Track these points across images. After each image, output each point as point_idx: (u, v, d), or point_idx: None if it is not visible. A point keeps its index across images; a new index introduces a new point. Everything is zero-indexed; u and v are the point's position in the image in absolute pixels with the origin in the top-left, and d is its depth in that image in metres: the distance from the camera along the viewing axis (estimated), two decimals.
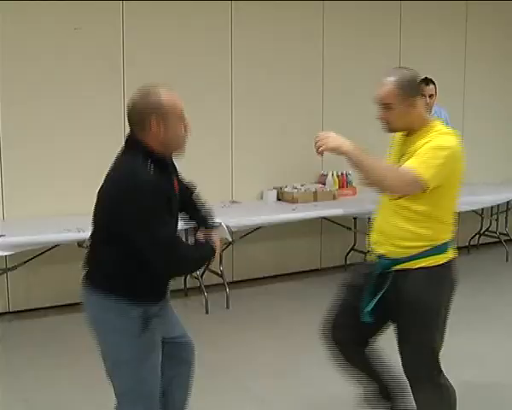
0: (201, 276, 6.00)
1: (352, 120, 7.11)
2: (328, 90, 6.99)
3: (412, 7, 7.34)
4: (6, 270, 5.43)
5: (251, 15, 6.44)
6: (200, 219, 3.13)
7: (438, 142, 2.95)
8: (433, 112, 6.09)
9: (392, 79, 3.05)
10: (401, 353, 3.14)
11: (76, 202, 5.72)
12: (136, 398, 2.81)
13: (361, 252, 7.05)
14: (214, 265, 6.13)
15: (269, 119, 6.70)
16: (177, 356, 3.05)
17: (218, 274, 6.07)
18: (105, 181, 2.76)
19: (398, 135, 3.23)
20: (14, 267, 5.43)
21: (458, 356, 4.54)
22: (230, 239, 5.79)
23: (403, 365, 3.15)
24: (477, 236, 8.08)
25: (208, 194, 6.49)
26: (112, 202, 2.66)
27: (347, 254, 7.15)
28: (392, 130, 3.17)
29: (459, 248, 7.03)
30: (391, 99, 3.04)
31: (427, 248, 3.06)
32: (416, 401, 3.20)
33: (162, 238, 2.62)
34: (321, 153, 2.96)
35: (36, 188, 5.64)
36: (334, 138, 2.98)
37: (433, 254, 3.08)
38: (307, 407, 4.07)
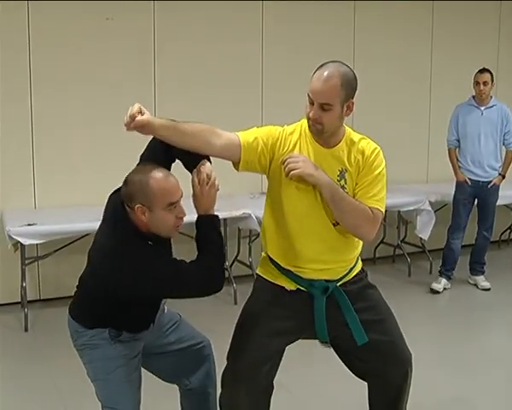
0: (230, 266, 6.01)
1: (382, 110, 7.07)
2: (359, 80, 6.91)
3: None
4: (37, 258, 5.49)
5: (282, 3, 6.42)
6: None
7: (380, 165, 2.78)
8: (491, 103, 6.05)
9: (337, 75, 2.70)
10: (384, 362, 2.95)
11: (106, 191, 5.73)
12: None
13: (390, 245, 7.02)
14: (243, 256, 6.15)
15: (298, 111, 6.64)
16: (200, 359, 3.08)
17: (247, 265, 6.07)
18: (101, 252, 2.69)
19: (312, 143, 2.79)
20: (45, 256, 5.49)
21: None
22: (259, 230, 5.77)
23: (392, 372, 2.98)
24: (508, 230, 7.98)
25: (238, 185, 6.54)
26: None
27: (376, 247, 7.10)
28: (323, 132, 2.72)
29: (490, 243, 7.03)
30: (332, 98, 2.66)
31: (357, 255, 2.97)
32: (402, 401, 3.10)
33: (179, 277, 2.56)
34: (291, 177, 2.66)
35: (67, 177, 5.69)
36: (307, 164, 2.67)
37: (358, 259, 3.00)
38: (336, 395, 4.05)
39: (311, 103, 2.71)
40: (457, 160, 6.16)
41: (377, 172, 2.76)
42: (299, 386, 4.20)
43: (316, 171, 2.66)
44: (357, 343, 2.85)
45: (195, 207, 2.66)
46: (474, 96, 6.09)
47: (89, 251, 2.79)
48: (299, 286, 2.86)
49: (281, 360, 2.95)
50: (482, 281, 6.21)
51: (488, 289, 6.13)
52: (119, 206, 2.67)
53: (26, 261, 5.26)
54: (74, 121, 5.68)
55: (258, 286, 3.00)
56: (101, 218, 2.82)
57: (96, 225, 5.27)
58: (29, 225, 5.00)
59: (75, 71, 5.63)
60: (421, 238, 6.69)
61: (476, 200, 6.18)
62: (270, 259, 2.92)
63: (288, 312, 2.86)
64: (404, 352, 3.01)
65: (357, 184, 2.77)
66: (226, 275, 6.01)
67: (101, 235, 2.74)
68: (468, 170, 6.08)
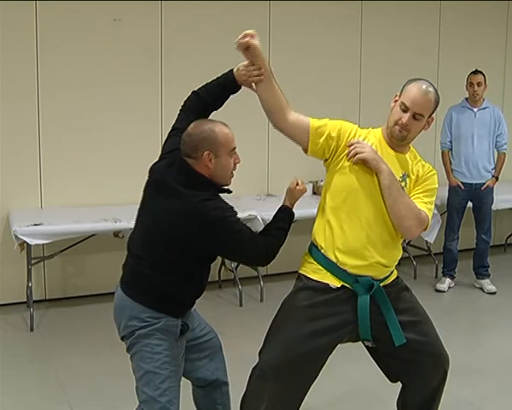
0: (236, 268, 6.01)
1: (388, 114, 7.07)
2: (366, 83, 6.94)
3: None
4: (43, 258, 5.50)
5: (289, 4, 6.43)
6: None
7: (434, 183, 3.00)
8: (484, 105, 6.08)
9: (432, 91, 3.05)
10: (422, 363, 3.01)
11: (112, 192, 5.79)
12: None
13: None
14: None
15: (305, 112, 6.65)
16: (215, 350, 3.11)
17: (252, 267, 6.07)
18: (165, 211, 2.76)
19: (383, 144, 3.02)
20: (51, 256, 5.50)
21: None
22: None
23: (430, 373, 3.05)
24: None
25: (244, 187, 6.55)
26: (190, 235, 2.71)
27: None
28: (405, 139, 2.97)
29: (496, 247, 7.01)
30: (426, 111, 2.97)
31: (398, 259, 3.13)
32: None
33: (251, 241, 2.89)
34: (356, 161, 2.87)
35: (73, 178, 5.70)
36: (373, 151, 2.90)
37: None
38: (345, 396, 4.05)
39: (405, 111, 2.96)
40: (450, 162, 6.18)
41: (432, 187, 2.99)
42: None
43: (379, 158, 2.87)
44: (396, 344, 2.89)
45: (284, 199, 3.16)
46: (467, 98, 6.13)
47: (143, 228, 2.88)
48: (343, 283, 2.89)
49: (326, 361, 2.96)
50: (488, 284, 6.20)
51: (494, 293, 6.12)
52: (173, 170, 2.82)
53: (32, 261, 5.26)
54: (81, 122, 5.69)
55: (301, 286, 3.03)
56: (148, 194, 2.94)
57: (102, 225, 5.29)
58: (35, 225, 5.01)
59: (82, 72, 5.64)
60: (426, 241, 6.68)
61: (471, 204, 6.19)
62: (316, 256, 2.98)
63: (332, 309, 2.89)
64: (442, 353, 3.09)
65: (413, 191, 2.97)
66: (231, 277, 6.04)
67: (162, 203, 2.78)
68: (462, 172, 6.10)
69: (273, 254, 2.97)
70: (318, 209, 3.08)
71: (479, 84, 5.98)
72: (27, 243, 5.02)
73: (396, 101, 3.06)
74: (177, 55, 5.95)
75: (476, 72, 6.02)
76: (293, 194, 3.14)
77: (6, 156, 5.46)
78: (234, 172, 2.90)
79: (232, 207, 2.81)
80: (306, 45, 6.55)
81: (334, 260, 2.88)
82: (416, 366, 2.99)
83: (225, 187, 2.90)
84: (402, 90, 3.07)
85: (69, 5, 5.48)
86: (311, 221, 6.51)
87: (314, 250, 3.00)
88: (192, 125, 2.85)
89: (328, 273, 2.90)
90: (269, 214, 5.63)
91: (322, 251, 2.93)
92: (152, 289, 2.76)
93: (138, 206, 2.99)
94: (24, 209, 5.46)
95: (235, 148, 2.87)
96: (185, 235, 2.70)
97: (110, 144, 5.80)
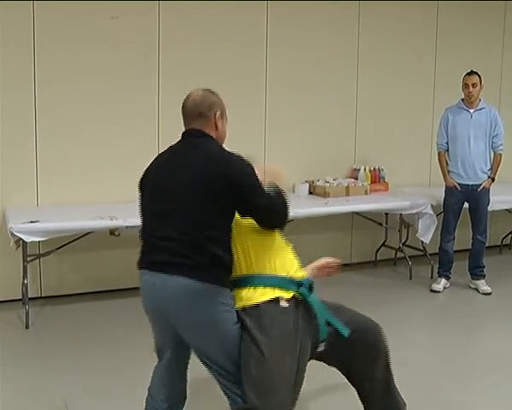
0: None
1: (386, 113, 7.09)
2: (363, 83, 6.95)
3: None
4: (39, 256, 5.50)
5: (287, 3, 6.43)
6: None
7: None
8: (480, 106, 6.08)
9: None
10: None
11: (108, 189, 5.79)
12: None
13: (392, 248, 7.02)
14: None
15: (302, 112, 6.68)
16: None
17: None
18: (184, 172, 2.86)
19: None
20: (47, 253, 5.49)
21: None
22: None
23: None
24: (510, 235, 7.97)
25: None
26: (222, 180, 2.79)
27: (378, 249, 7.12)
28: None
29: (491, 248, 7.01)
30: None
31: None
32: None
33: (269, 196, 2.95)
34: None
35: (69, 175, 5.70)
36: None
37: None
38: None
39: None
40: (447, 164, 6.18)
41: None
42: None
43: None
44: (345, 336, 2.96)
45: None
46: (463, 99, 6.12)
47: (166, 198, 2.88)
48: (293, 292, 2.92)
49: None
50: (483, 285, 6.21)
51: (489, 294, 6.13)
52: (178, 147, 3.04)
53: (28, 258, 5.26)
54: (78, 119, 5.69)
55: (260, 314, 2.85)
56: (151, 182, 3.05)
57: (98, 223, 5.28)
58: (31, 222, 5.01)
59: (79, 69, 5.64)
60: (422, 242, 6.69)
61: (467, 204, 6.19)
62: (258, 281, 2.93)
63: (301, 323, 2.87)
64: (368, 320, 3.22)
65: None
66: None
67: (188, 169, 2.88)
68: (458, 174, 6.11)
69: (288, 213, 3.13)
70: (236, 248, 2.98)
71: (474, 85, 5.97)
72: (23, 240, 5.01)
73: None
74: (175, 54, 5.96)
75: (471, 73, 6.01)
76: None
77: (2, 153, 5.45)
78: None
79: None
80: (304, 45, 6.56)
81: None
82: (353, 341, 3.03)
83: None
84: None
85: (66, 3, 5.48)
86: (305, 221, 6.55)
87: (251, 278, 2.94)
88: (195, 92, 3.04)
89: (277, 288, 2.90)
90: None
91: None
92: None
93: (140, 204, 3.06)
94: (20, 206, 5.45)
95: None
96: (213, 181, 2.78)
97: (107, 142, 5.80)
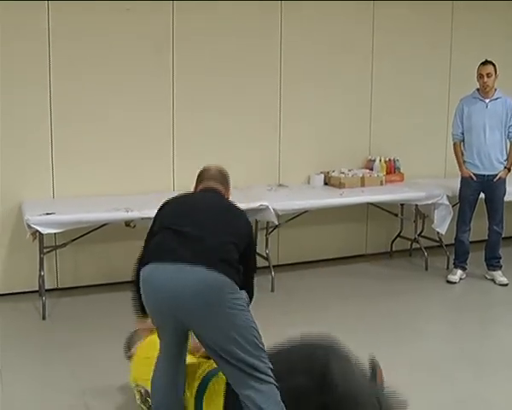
0: None
1: (401, 104, 7.05)
2: (378, 74, 6.91)
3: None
4: (55, 247, 5.53)
5: None
6: None
7: None
8: (496, 96, 6.02)
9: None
10: None
11: (124, 181, 5.81)
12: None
13: (407, 239, 7.00)
14: (260, 248, 6.15)
15: (317, 103, 6.66)
16: None
17: (263, 257, 6.08)
18: (229, 211, 3.23)
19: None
20: (63, 245, 5.52)
21: None
22: (277, 222, 5.79)
23: None
24: None
25: (255, 177, 6.56)
26: (245, 235, 3.13)
27: (393, 240, 7.09)
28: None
29: (508, 239, 6.94)
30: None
31: None
32: None
33: None
34: None
35: (85, 167, 5.72)
36: None
37: None
38: None
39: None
40: (462, 154, 6.15)
41: None
42: None
43: None
44: None
45: None
46: (478, 89, 6.06)
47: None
48: None
49: None
50: (500, 276, 6.18)
51: (506, 285, 6.10)
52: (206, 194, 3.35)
53: (45, 250, 5.29)
54: (93, 112, 5.70)
55: None
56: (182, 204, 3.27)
57: (114, 215, 5.31)
58: (47, 214, 5.03)
59: (94, 61, 5.65)
60: (438, 232, 6.67)
61: (483, 195, 6.15)
62: None
63: None
64: None
65: None
66: None
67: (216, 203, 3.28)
68: (474, 164, 6.06)
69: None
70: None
71: (488, 74, 5.91)
72: (40, 232, 5.04)
73: None
74: (189, 45, 5.95)
75: (486, 62, 5.94)
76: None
77: (18, 146, 5.48)
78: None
79: None
80: (318, 36, 6.53)
81: None
82: None
83: None
84: None
85: None
86: (320, 212, 6.54)
87: None
88: (215, 167, 3.45)
89: None
90: (280, 205, 5.71)
91: None
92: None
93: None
94: (36, 199, 5.48)
95: None
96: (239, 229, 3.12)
97: (122, 135, 5.81)
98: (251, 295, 3.14)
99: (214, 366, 3.12)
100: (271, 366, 2.90)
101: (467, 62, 6.56)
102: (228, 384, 2.98)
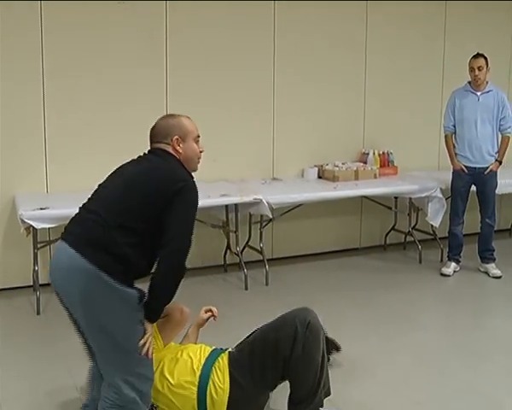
0: (241, 252, 6.02)
1: (395, 97, 7.07)
2: (371, 67, 6.92)
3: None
4: (49, 242, 5.51)
5: None
6: None
7: None
8: (487, 89, 6.04)
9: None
10: None
11: None
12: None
13: (401, 232, 7.02)
14: (254, 241, 6.16)
15: (311, 97, 6.67)
16: None
17: (257, 251, 6.09)
18: (139, 175, 3.13)
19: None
20: (57, 240, 5.49)
21: None
22: (271, 216, 5.79)
23: None
24: None
25: (249, 170, 6.56)
26: (159, 195, 2.95)
27: (387, 234, 7.11)
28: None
29: (501, 232, 6.98)
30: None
31: None
32: None
33: (191, 235, 2.95)
34: None
35: (79, 161, 5.71)
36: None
37: None
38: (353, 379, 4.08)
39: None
40: (454, 147, 6.16)
41: None
42: None
43: None
44: None
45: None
46: (469, 82, 6.07)
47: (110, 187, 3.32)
48: None
49: None
50: (493, 269, 6.20)
51: (499, 277, 6.12)
52: (146, 158, 3.27)
53: (39, 245, 5.28)
54: (86, 105, 5.69)
55: None
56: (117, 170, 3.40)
57: None
58: (41, 209, 5.02)
59: (87, 54, 5.64)
60: (432, 225, 6.68)
61: (475, 187, 6.17)
62: None
63: None
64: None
65: None
66: (237, 261, 6.05)
67: (139, 167, 3.23)
68: (465, 156, 6.08)
69: (184, 262, 2.95)
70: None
71: (480, 68, 5.91)
72: (33, 227, 5.03)
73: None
74: (182, 37, 5.94)
75: (477, 55, 5.94)
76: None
77: (11, 140, 5.47)
78: (200, 159, 3.23)
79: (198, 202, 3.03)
80: (311, 29, 6.54)
81: None
82: None
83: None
84: None
85: None
86: (314, 205, 6.55)
87: None
88: (159, 118, 3.28)
89: None
90: (274, 198, 5.71)
91: None
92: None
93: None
94: (30, 193, 5.47)
95: (199, 136, 3.22)
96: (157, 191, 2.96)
97: (115, 128, 5.80)
98: (182, 245, 2.95)
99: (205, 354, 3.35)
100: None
101: (460, 55, 6.55)
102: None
